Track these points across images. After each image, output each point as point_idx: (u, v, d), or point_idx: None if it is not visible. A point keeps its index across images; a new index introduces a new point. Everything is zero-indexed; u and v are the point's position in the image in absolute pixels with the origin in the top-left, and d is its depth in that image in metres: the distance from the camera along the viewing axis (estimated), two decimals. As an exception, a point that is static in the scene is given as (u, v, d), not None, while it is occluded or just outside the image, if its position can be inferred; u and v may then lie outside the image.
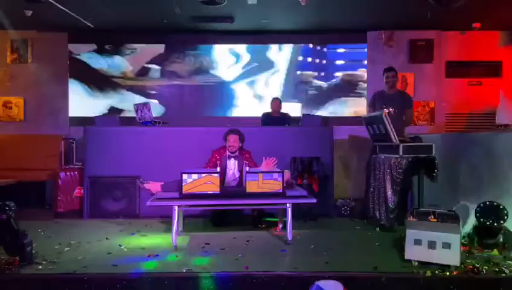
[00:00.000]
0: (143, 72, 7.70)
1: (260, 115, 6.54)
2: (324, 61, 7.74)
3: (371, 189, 4.58)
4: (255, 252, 3.63)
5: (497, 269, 3.09)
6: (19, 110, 7.28)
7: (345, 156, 6.51)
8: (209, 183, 3.84)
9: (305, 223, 4.75)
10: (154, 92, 7.69)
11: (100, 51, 7.68)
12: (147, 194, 4.80)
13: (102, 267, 3.22)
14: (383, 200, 4.38)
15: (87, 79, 7.63)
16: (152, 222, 4.86)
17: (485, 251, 3.41)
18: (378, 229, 4.43)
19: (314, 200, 3.87)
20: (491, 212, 3.37)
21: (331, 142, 5.34)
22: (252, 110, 7.62)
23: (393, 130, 4.21)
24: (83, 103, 7.56)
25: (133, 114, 5.91)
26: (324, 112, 7.51)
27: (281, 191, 3.82)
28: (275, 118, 6.42)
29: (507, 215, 3.32)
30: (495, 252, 3.39)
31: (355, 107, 7.62)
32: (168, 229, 4.33)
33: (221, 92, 7.73)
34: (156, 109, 7.37)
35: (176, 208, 3.82)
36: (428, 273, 3.02)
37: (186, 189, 3.83)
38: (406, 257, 3.24)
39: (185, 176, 3.81)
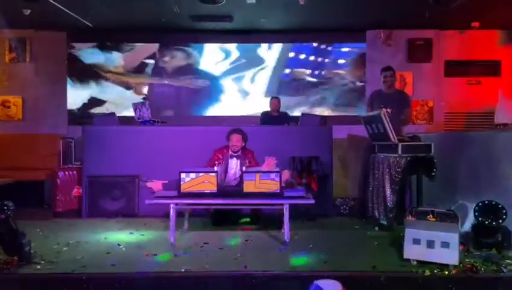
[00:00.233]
0: (137, 69, 7.74)
1: (251, 113, 6.52)
2: (320, 59, 7.75)
3: (370, 188, 4.58)
4: (254, 252, 3.63)
5: (495, 268, 3.09)
6: (17, 109, 7.27)
7: (344, 155, 6.50)
8: (206, 182, 3.85)
9: (304, 222, 4.75)
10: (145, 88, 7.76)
11: (99, 47, 7.72)
12: (145, 193, 4.81)
13: (100, 266, 3.21)
14: (382, 199, 4.38)
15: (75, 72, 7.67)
16: (151, 221, 4.85)
17: (483, 250, 3.41)
18: (377, 228, 4.43)
19: (312, 201, 3.84)
20: (489, 211, 3.37)
21: (330, 141, 5.33)
22: (249, 110, 7.65)
23: (392, 129, 4.21)
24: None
25: (125, 111, 5.90)
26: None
27: (278, 191, 3.80)
28: (274, 117, 6.42)
29: (506, 215, 3.32)
30: (493, 251, 3.39)
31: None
32: (167, 228, 4.32)
33: (217, 91, 7.77)
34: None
35: (173, 206, 3.86)
36: (427, 272, 3.02)
37: (184, 188, 3.86)
38: (405, 256, 3.24)
39: (183, 175, 3.85)
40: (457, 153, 4.47)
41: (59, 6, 5.90)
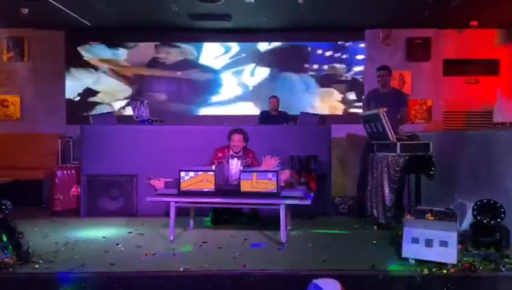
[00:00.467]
0: (136, 64, 7.76)
1: (250, 112, 6.52)
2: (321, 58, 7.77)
3: (369, 187, 4.58)
4: (253, 251, 3.63)
5: (494, 267, 3.09)
6: (16, 108, 7.25)
7: (343, 154, 6.50)
8: (205, 181, 3.87)
9: (303, 221, 4.75)
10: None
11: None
12: (144, 192, 4.82)
13: (99, 266, 3.21)
14: (380, 198, 4.38)
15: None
16: (149, 220, 4.84)
17: (482, 249, 3.41)
18: (375, 227, 4.44)
19: (308, 202, 3.83)
20: (488, 210, 3.37)
21: (328, 140, 5.33)
22: (248, 109, 7.65)
23: (390, 128, 4.21)
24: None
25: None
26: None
27: (275, 191, 3.78)
28: (272, 117, 6.42)
29: (504, 213, 3.32)
30: (492, 250, 3.40)
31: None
32: (166, 227, 4.32)
33: (215, 88, 7.80)
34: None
35: (173, 203, 3.91)
36: (426, 271, 3.03)
37: (183, 186, 3.90)
38: (403, 255, 3.25)
39: (182, 174, 3.90)
40: (456, 152, 4.48)
41: (57, 5, 5.88)
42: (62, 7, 6.00)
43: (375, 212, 4.46)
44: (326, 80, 7.75)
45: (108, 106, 7.70)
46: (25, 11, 6.09)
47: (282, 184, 4.05)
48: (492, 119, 6.68)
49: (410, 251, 3.22)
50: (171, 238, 3.95)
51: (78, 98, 7.69)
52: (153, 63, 7.75)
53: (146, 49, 7.75)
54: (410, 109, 7.38)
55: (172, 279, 3.03)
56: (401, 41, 7.43)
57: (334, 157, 5.58)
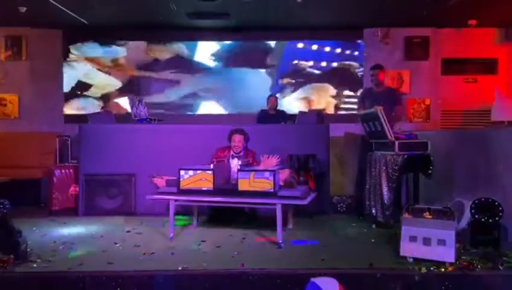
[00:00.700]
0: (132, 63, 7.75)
1: (248, 111, 6.52)
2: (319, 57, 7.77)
3: (367, 186, 4.59)
4: (251, 250, 3.63)
5: (492, 266, 3.10)
6: (14, 107, 7.23)
7: (341, 153, 6.51)
8: (203, 179, 3.87)
9: (301, 220, 4.75)
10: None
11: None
12: (142, 191, 4.82)
13: (97, 265, 3.21)
14: (378, 197, 4.39)
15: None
16: (148, 219, 4.84)
17: (480, 248, 3.42)
18: (374, 226, 4.44)
19: (305, 202, 3.83)
20: (486, 208, 3.38)
21: (327, 139, 5.33)
22: (246, 108, 7.65)
23: (389, 127, 4.22)
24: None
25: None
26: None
27: (271, 190, 3.77)
28: (271, 116, 6.42)
29: (502, 212, 3.33)
30: (490, 248, 3.40)
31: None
32: (164, 226, 4.32)
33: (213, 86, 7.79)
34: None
35: (172, 201, 3.95)
36: (424, 269, 3.04)
37: (183, 185, 3.91)
38: (401, 254, 3.25)
39: (182, 172, 3.93)
40: (454, 150, 4.48)
41: (55, 3, 5.87)
42: (60, 6, 5.99)
43: (373, 211, 4.47)
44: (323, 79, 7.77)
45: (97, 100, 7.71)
46: (23, 9, 6.07)
47: (282, 183, 4.05)
48: (491, 118, 6.70)
49: (408, 249, 3.22)
50: (171, 235, 3.96)
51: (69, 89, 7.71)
52: (149, 61, 7.74)
53: (141, 48, 7.73)
54: (408, 108, 7.39)
55: (170, 278, 3.03)
56: (400, 40, 7.43)
57: (332, 156, 5.58)
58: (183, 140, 5.21)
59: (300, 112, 6.26)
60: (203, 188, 3.89)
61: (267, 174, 3.80)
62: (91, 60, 7.69)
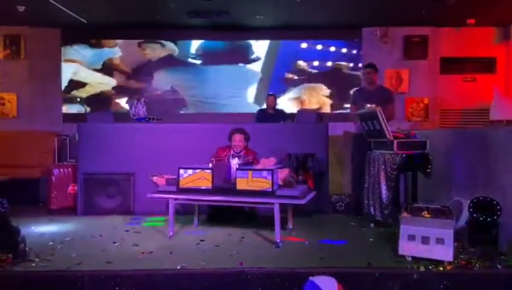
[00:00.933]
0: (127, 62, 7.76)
1: (247, 110, 6.53)
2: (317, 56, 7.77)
3: (366, 185, 4.59)
4: (250, 249, 3.63)
5: (490, 264, 3.10)
6: (12, 106, 7.23)
7: (340, 152, 6.51)
8: (202, 178, 3.87)
9: (300, 219, 4.75)
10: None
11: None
12: (141, 191, 4.81)
13: (96, 264, 3.20)
14: (377, 196, 4.39)
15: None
16: (147, 218, 4.83)
17: (478, 247, 3.42)
18: (372, 225, 4.45)
19: (303, 201, 3.83)
20: (484, 207, 3.39)
21: (326, 138, 5.33)
22: (245, 108, 7.66)
23: (387, 126, 4.22)
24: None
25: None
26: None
27: (269, 190, 3.76)
28: (270, 115, 6.42)
29: (500, 211, 3.34)
30: (488, 247, 3.41)
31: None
32: (163, 226, 4.32)
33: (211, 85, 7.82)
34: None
35: (171, 200, 3.96)
36: (422, 268, 3.04)
37: (182, 184, 3.91)
38: (400, 253, 3.25)
39: (181, 171, 3.92)
40: (453, 149, 4.48)
41: (54, 2, 5.86)
42: (58, 5, 5.98)
43: (372, 210, 4.47)
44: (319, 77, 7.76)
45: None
46: (22, 8, 6.07)
47: (281, 183, 4.04)
48: (489, 117, 6.71)
49: (407, 248, 3.22)
50: (170, 234, 3.95)
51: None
52: (144, 60, 7.75)
53: (136, 47, 7.75)
54: (407, 107, 7.40)
55: (169, 277, 3.02)
56: (399, 39, 7.44)
57: (331, 155, 5.58)
58: (182, 139, 5.20)
59: (300, 111, 6.26)
60: (202, 187, 3.89)
61: (265, 173, 3.79)
62: (86, 59, 7.69)
